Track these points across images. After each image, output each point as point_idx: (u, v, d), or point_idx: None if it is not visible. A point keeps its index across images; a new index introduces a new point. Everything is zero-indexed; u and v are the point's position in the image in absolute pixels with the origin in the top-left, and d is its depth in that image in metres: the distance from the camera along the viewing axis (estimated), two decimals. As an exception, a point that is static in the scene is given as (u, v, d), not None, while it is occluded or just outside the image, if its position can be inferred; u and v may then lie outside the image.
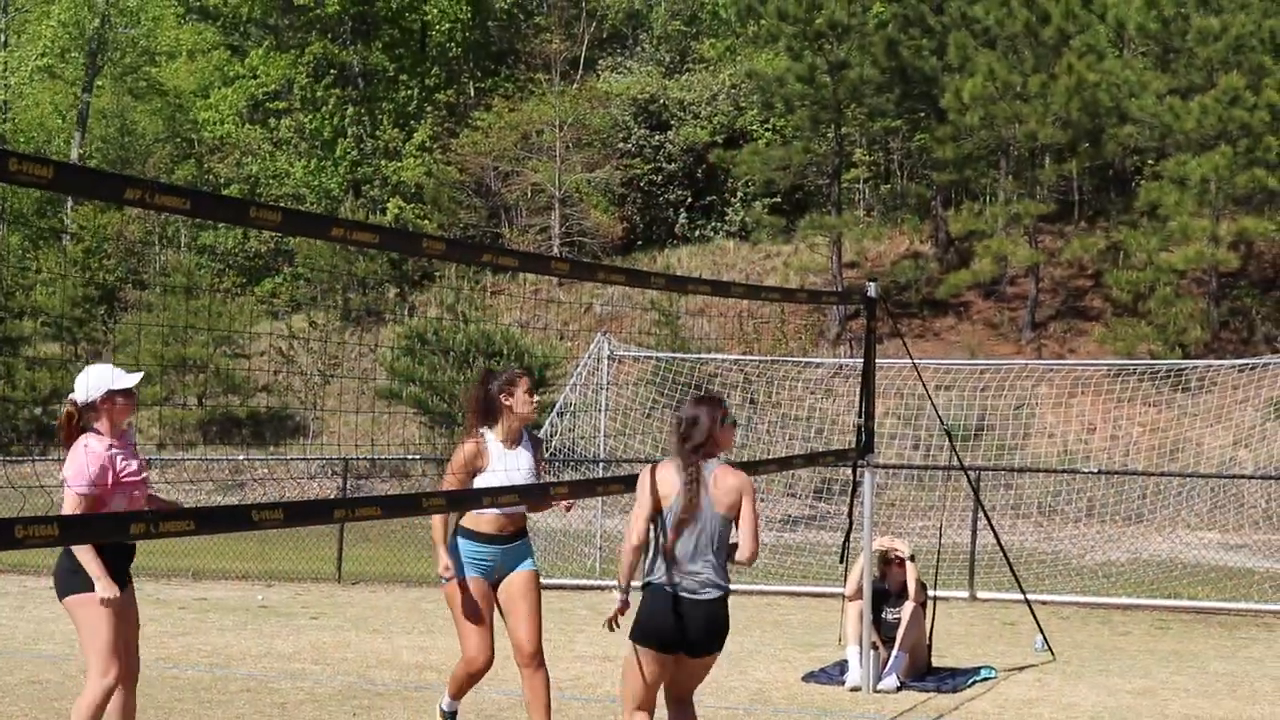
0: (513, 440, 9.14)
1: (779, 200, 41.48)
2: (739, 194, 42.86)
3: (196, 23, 52.90)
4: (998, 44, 34.63)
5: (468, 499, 8.64)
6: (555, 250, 40.71)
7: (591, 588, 19.90)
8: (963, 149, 35.91)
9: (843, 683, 12.28)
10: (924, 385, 15.87)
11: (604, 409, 23.36)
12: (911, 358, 16.07)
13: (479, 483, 8.99)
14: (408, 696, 11.48)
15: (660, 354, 28.46)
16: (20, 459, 34.55)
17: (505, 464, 9.00)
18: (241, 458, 33.89)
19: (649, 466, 7.82)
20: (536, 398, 9.26)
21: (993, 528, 14.90)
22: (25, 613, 16.60)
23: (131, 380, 8.44)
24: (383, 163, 46.20)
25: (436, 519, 9.14)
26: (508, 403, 9.09)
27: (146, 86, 52.54)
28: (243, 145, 48.56)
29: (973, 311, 37.40)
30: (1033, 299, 35.90)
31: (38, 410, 39.59)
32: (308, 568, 21.06)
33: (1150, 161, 36.57)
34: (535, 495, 8.81)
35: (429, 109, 47.69)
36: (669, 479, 7.68)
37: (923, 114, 37.67)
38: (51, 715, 10.68)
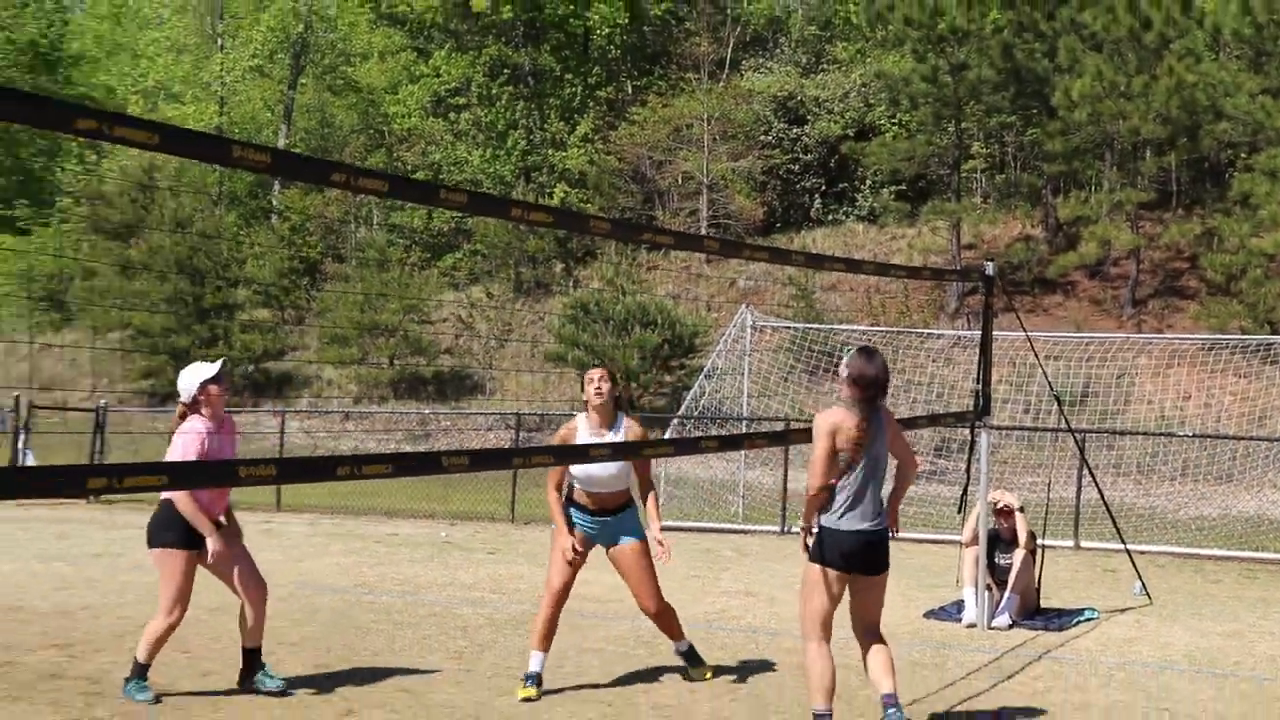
0: (603, 425, 9.26)
1: (904, 188, 41.23)
2: (868, 182, 42.62)
3: (386, 28, 53.31)
4: (1104, 47, 34.10)
5: (628, 449, 8.73)
6: (703, 231, 40.68)
7: (736, 531, 19.93)
8: (1071, 142, 35.47)
9: (959, 620, 12.23)
10: (1035, 355, 15.73)
11: (746, 373, 23.36)
12: (1025, 330, 15.93)
13: (579, 465, 9.17)
14: (575, 624, 11.57)
15: (797, 324, 28.40)
16: (236, 409, 35.18)
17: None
18: (427, 411, 34.29)
19: (824, 414, 7.86)
20: (605, 386, 9.26)
21: (1096, 484, 14.73)
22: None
23: (215, 368, 8.88)
24: (550, 152, 46.40)
25: (550, 498, 9.39)
26: (584, 396, 9.34)
27: (343, 84, 53.11)
28: (427, 136, 48.94)
29: (1079, 290, 36.95)
30: (1133, 279, 35.44)
31: (250, 368, 40.23)
32: (485, 509, 21.26)
33: (1243, 155, 35.86)
34: (631, 451, 8.84)
35: (591, 104, 47.80)
36: (845, 424, 7.74)
37: (1035, 111, 37.19)
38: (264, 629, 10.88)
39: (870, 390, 7.91)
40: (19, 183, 56.01)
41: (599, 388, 9.27)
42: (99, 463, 19.25)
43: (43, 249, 46.88)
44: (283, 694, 8.77)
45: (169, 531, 8.58)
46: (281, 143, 49.88)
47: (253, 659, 9.00)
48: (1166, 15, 33.00)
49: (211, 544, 8.56)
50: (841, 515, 7.78)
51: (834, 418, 7.80)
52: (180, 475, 5.94)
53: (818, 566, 7.77)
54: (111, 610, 11.66)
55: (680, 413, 23.62)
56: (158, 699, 8.56)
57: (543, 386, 35.93)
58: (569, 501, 9.32)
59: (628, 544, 9.31)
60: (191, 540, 8.56)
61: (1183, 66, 32.41)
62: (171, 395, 39.10)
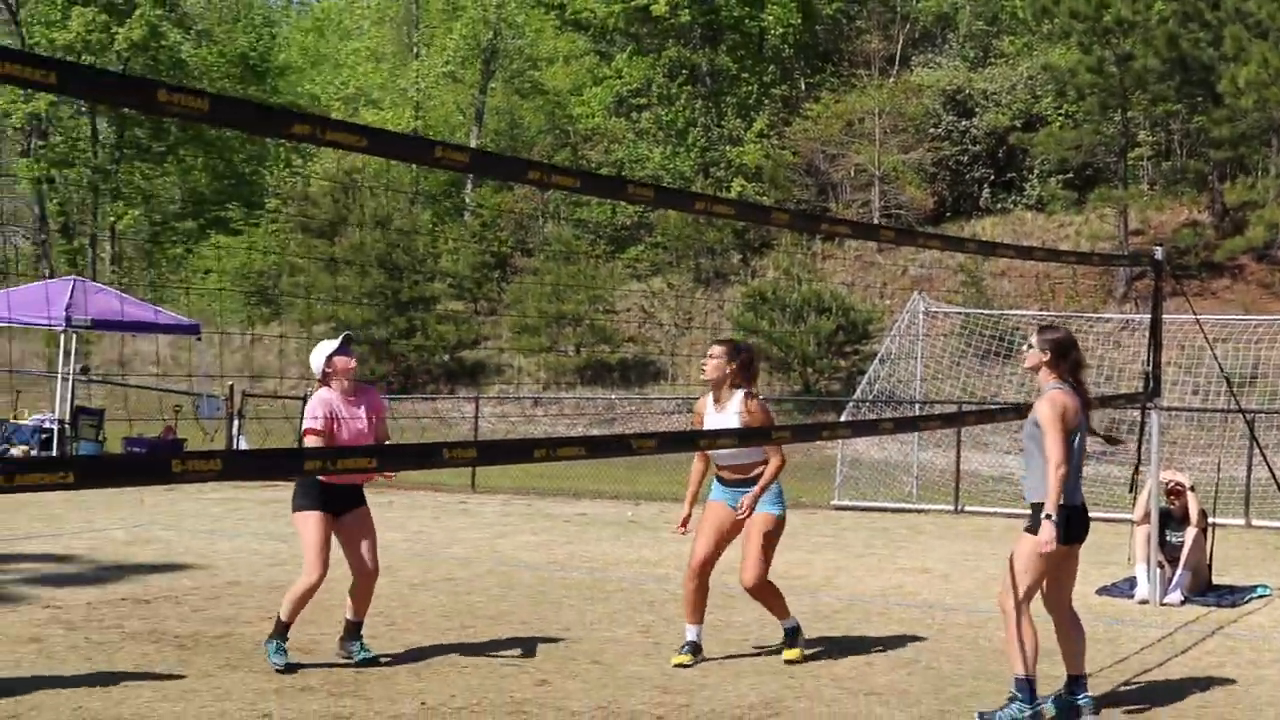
0: (720, 402, 9.24)
1: (1071, 176, 40.58)
2: (1036, 171, 42.00)
3: (571, 33, 53.69)
4: (1270, 34, 33.18)
5: (809, 431, 8.71)
6: (875, 222, 40.41)
7: (910, 510, 19.77)
8: (1237, 129, 34.60)
9: (1132, 596, 12.01)
10: (1205, 337, 15.38)
11: (919, 357, 23.14)
12: (1194, 313, 15.58)
13: None
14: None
15: (968, 310, 28.07)
16: (433, 396, 35.71)
17: (712, 423, 9.16)
18: (613, 397, 34.47)
19: (1053, 397, 7.64)
20: (710, 363, 9.25)
21: (1268, 463, 14.35)
22: (440, 522, 17.15)
23: (336, 342, 9.02)
24: (727, 148, 46.36)
25: (693, 469, 9.59)
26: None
27: (531, 87, 53.60)
28: (610, 135, 49.21)
29: (1246, 273, 36.05)
30: (1302, 261, 34.57)
31: (446, 357, 40.76)
32: (669, 489, 21.30)
33: None
34: (754, 438, 8.79)
35: (766, 102, 47.68)
36: (1070, 403, 7.64)
37: (1200, 98, 36.31)
38: (463, 605, 11.03)
39: (1077, 360, 7.85)
40: (231, 186, 57.38)
41: (704, 363, 9.32)
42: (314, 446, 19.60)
43: (253, 247, 47.98)
44: (373, 662, 8.88)
45: (304, 497, 8.73)
46: (473, 144, 50.46)
47: (353, 629, 9.10)
48: (1334, 1, 32.06)
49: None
50: (1073, 491, 7.70)
51: (1063, 399, 7.65)
52: (386, 457, 6.04)
53: (1056, 545, 7.56)
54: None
55: (855, 396, 23.47)
56: (290, 668, 8.66)
57: (722, 372, 35.98)
58: (716, 474, 9.38)
59: (758, 515, 9.15)
60: (326, 503, 8.69)
61: (1350, 52, 31.45)
62: (372, 384, 39.91)
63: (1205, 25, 34.81)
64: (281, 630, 8.80)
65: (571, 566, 13.49)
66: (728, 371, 9.22)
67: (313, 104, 60.30)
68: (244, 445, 23.46)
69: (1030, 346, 7.93)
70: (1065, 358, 7.82)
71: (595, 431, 29.47)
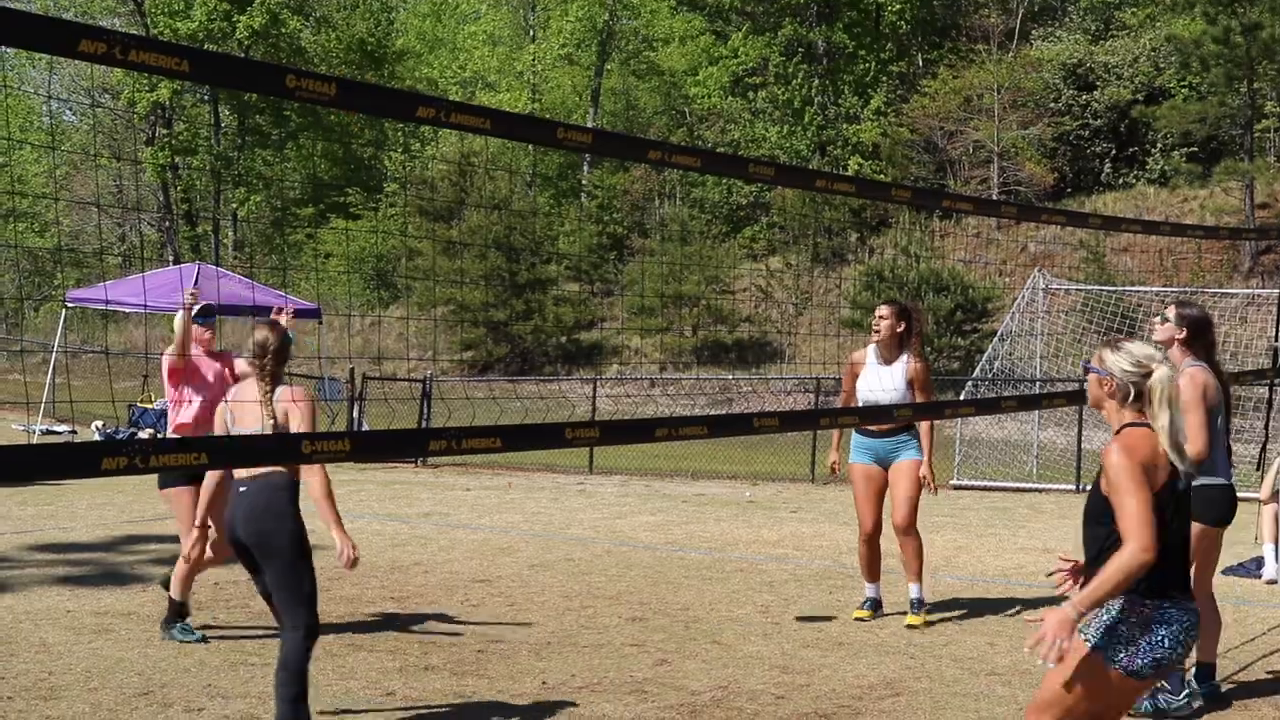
0: (887, 359, 9.76)
1: (1195, 149, 39.93)
2: (1159, 145, 41.36)
3: (686, 13, 53.66)
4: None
5: (931, 409, 8.69)
6: (995, 198, 40.02)
7: (1030, 490, 19.61)
8: (1370, 98, 33.94)
9: (1259, 576, 11.82)
10: (1334, 312, 15.10)
11: (1039, 335, 22.94)
12: (1323, 287, 15.31)
13: (859, 385, 9.80)
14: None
15: (1089, 287, 27.74)
16: (551, 378, 35.92)
17: (876, 376, 9.70)
18: (729, 377, 34.43)
19: (1192, 375, 7.39)
20: (884, 323, 9.69)
21: (1400, 439, 14.09)
22: (559, 503, 17.26)
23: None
24: (844, 126, 46.16)
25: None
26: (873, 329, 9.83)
27: (646, 68, 53.66)
28: (726, 115, 49.15)
29: (1379, 245, 35.33)
30: None
31: (563, 339, 40.97)
32: (786, 469, 21.30)
33: None
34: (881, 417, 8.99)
35: (883, 79, 47.38)
36: (1210, 381, 7.46)
37: (1331, 68, 35.64)
38: (582, 585, 11.12)
39: (1211, 340, 7.70)
40: (350, 171, 58.02)
41: (877, 325, 9.73)
42: (436, 427, 19.86)
43: (372, 232, 48.52)
44: (201, 640, 8.88)
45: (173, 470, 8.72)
46: (590, 125, 50.66)
47: (177, 607, 9.02)
48: None
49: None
50: (1222, 471, 7.56)
51: (1203, 376, 7.43)
52: (511, 438, 6.11)
53: (1205, 527, 7.43)
54: (441, 566, 12.04)
55: (975, 375, 23.31)
56: (203, 638, 8.87)
57: (839, 352, 35.79)
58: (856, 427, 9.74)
59: (905, 461, 9.71)
60: (196, 475, 8.47)
61: None
62: (490, 365, 39.97)
63: (1336, -8, 34.12)
64: (178, 611, 8.94)
65: (690, 546, 13.54)
66: (898, 331, 9.73)
67: (430, 88, 60.81)
68: (366, 428, 23.76)
69: (1165, 320, 7.72)
70: (1201, 336, 7.63)
71: (712, 411, 29.48)
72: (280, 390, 6.97)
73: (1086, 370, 5.32)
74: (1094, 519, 5.10)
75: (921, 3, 49.29)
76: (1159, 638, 4.88)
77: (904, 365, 9.65)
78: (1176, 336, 7.63)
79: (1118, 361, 5.17)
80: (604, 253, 45.04)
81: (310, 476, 6.85)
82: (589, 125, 49.61)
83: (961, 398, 21.56)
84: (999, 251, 39.33)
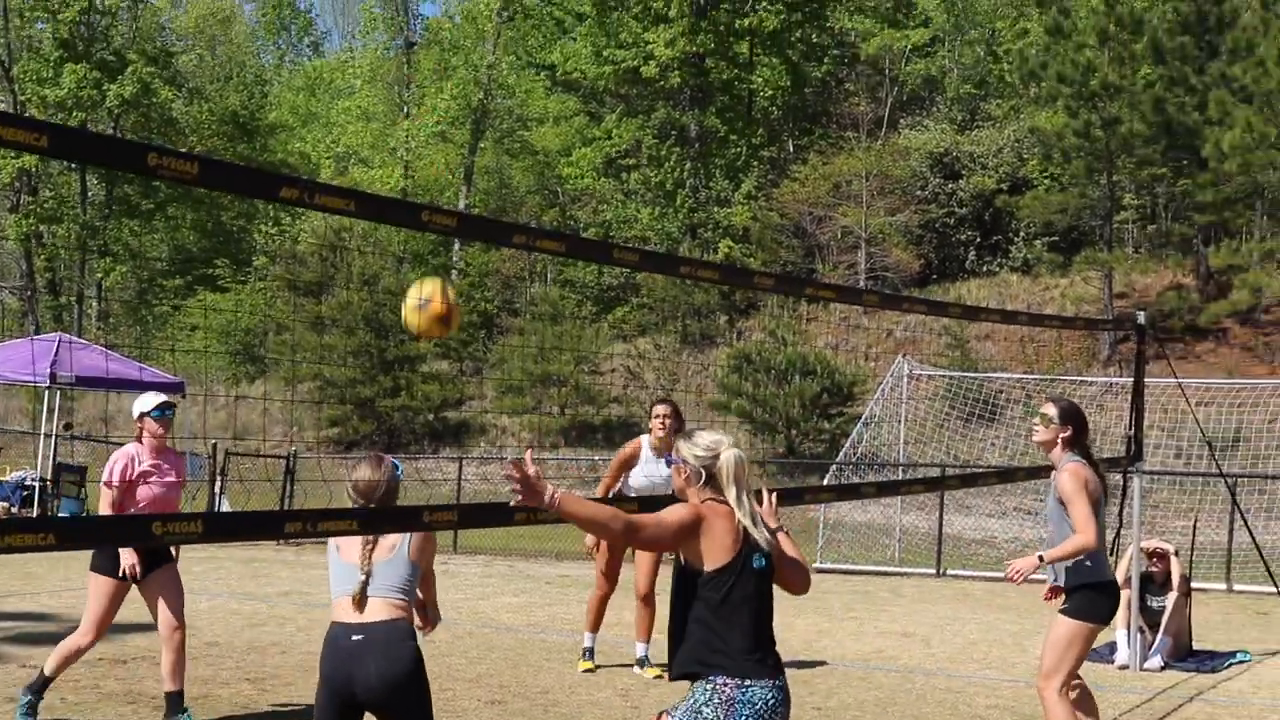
0: (662, 452, 10.36)
1: (1057, 239, 40.77)
2: (1021, 234, 42.19)
3: (561, 94, 54.04)
4: (1254, 99, 33.47)
5: (790, 494, 8.78)
6: (861, 283, 40.57)
7: (892, 574, 19.80)
8: (1222, 193, 34.84)
9: (1112, 661, 12.06)
10: (1187, 401, 15.49)
11: (903, 420, 23.24)
12: (1176, 377, 15.69)
13: (637, 475, 10.55)
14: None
15: (952, 372, 28.17)
16: (417, 456, 35.70)
17: (656, 467, 10.44)
18: (597, 458, 34.44)
19: (1075, 470, 7.48)
20: (669, 422, 10.49)
21: (1249, 528, 14.46)
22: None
23: (157, 400, 8.82)
24: (715, 209, 46.57)
25: (599, 490, 11.02)
26: (650, 426, 10.62)
27: (520, 147, 53.89)
28: (599, 195, 49.44)
29: (1230, 337, 36.22)
30: (1286, 325, 34.74)
31: (430, 416, 40.76)
32: (652, 551, 21.25)
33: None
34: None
35: (754, 163, 47.92)
36: (1090, 476, 7.56)
37: (1185, 162, 36.58)
38: (442, 667, 11.03)
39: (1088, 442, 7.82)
40: (219, 243, 57.51)
41: (663, 422, 10.44)
42: (293, 509, 19.71)
43: (240, 305, 48.06)
44: None
45: (101, 555, 8.56)
46: (462, 203, 50.70)
47: (173, 702, 8.81)
48: (1317, 68, 32.37)
49: (125, 558, 8.47)
50: (1106, 568, 7.66)
51: (1084, 472, 7.49)
52: (368, 522, 6.08)
53: (1092, 625, 7.55)
54: (299, 646, 11.91)
55: (839, 459, 23.54)
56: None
57: (708, 433, 36.02)
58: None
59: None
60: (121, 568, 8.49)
61: (1333, 118, 31.73)
62: (356, 444, 39.57)
63: (1191, 90, 35.14)
64: (43, 684, 8.73)
65: (552, 629, 13.51)
66: (676, 428, 10.39)
67: (303, 162, 60.57)
68: (225, 506, 23.45)
69: (1043, 418, 7.73)
70: (1085, 429, 7.71)
71: (579, 492, 29.50)
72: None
73: (669, 464, 5.43)
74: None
75: (793, 89, 50.05)
76: (741, 717, 4.99)
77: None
78: (1060, 434, 7.66)
79: (691, 449, 5.35)
80: (473, 331, 44.97)
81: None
82: (461, 202, 49.72)
83: (825, 481, 21.77)
84: (865, 336, 39.84)
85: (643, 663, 10.92)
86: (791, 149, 49.80)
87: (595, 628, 11.17)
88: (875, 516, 23.55)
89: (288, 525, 5.55)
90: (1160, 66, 35.79)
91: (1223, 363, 34.57)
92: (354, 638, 5.94)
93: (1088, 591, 7.45)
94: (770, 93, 49.61)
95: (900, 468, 22.44)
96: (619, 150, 49.40)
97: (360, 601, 6.01)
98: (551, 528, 19.59)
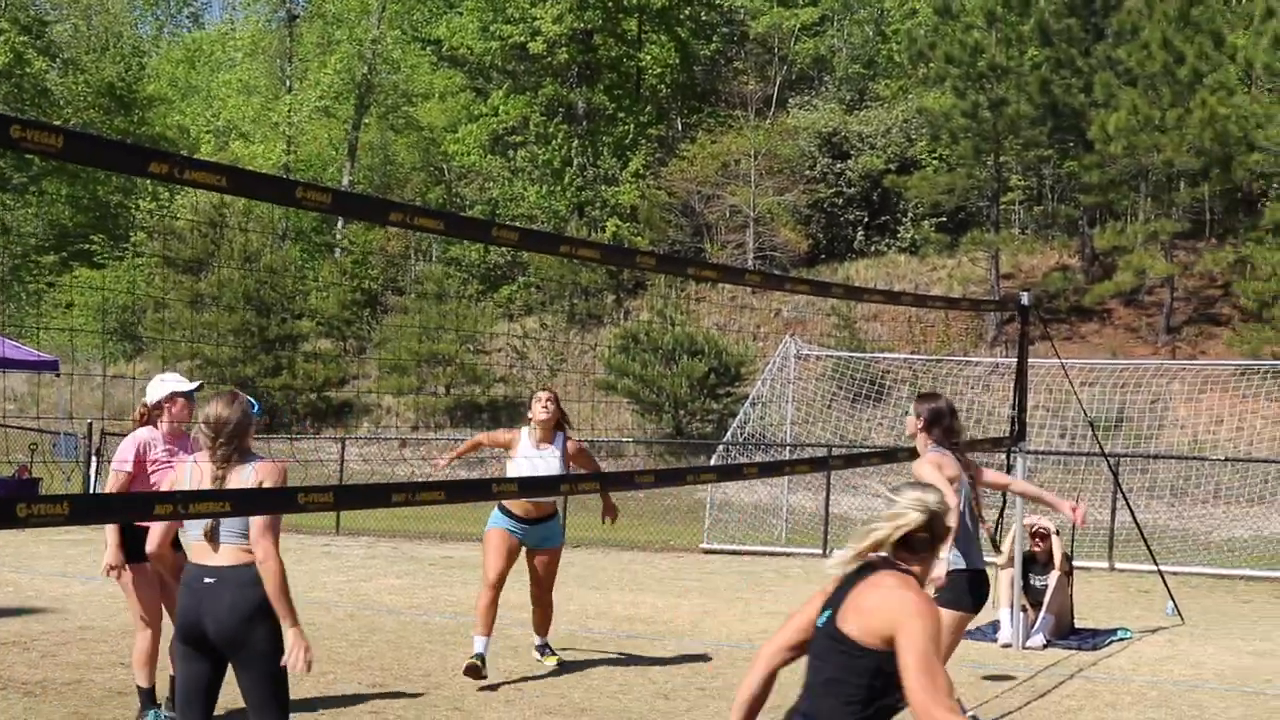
0: (545, 440, 10.24)
1: (944, 220, 41.09)
2: (909, 214, 42.51)
3: (447, 69, 53.69)
4: (1139, 82, 33.99)
5: (668, 475, 8.80)
6: (750, 263, 40.70)
7: (779, 554, 19.93)
8: (1107, 174, 35.37)
9: (995, 640, 12.22)
10: (1070, 382, 15.70)
11: (790, 400, 23.38)
12: (1060, 358, 15.91)
13: (508, 468, 10.27)
14: (620, 643, 11.63)
15: (839, 353, 28.39)
16: (299, 436, 35.40)
17: (531, 457, 10.12)
18: (481, 438, 34.37)
19: (933, 455, 7.96)
20: (551, 406, 10.27)
21: (1130, 507, 14.69)
22: (303, 565, 16.99)
23: (191, 386, 8.59)
24: (603, 188, 46.51)
25: (467, 443, 10.91)
26: (530, 414, 10.30)
27: (405, 123, 53.51)
28: (485, 173, 49.21)
29: (1114, 318, 36.78)
30: (1168, 306, 35.22)
31: (313, 396, 40.45)
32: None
33: (1275, 185, 35.75)
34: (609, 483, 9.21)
35: (643, 142, 47.89)
36: (948, 463, 7.90)
37: (1071, 144, 37.08)
38: (323, 650, 10.95)
39: (950, 428, 8.20)
40: (96, 218, 56.60)
41: (546, 406, 10.21)
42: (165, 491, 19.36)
43: (117, 282, 47.33)
44: None
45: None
46: (345, 180, 50.29)
47: (149, 697, 8.47)
48: (1199, 50, 32.87)
49: (107, 557, 8.23)
50: (977, 556, 7.89)
51: (938, 458, 7.95)
52: (242, 501, 6.00)
53: (960, 614, 7.79)
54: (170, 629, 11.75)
55: (726, 439, 23.65)
56: None
57: (593, 414, 36.00)
58: (500, 506, 10.21)
59: (550, 550, 10.49)
60: (140, 553, 7.97)
61: (1215, 100, 32.20)
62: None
63: (1077, 72, 35.63)
64: (149, 698, 8.39)
65: (435, 611, 13.46)
66: (557, 416, 10.31)
67: (182, 136, 59.75)
68: (100, 487, 23.10)
69: (914, 413, 8.28)
70: (937, 424, 8.11)
71: (464, 473, 29.33)
72: (249, 469, 6.21)
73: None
74: None
75: (681, 67, 50.09)
76: None
77: (561, 444, 10.19)
78: (918, 427, 8.21)
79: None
80: (357, 309, 44.62)
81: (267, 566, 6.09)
82: (345, 179, 49.33)
83: (713, 462, 21.84)
84: (753, 316, 40.01)
85: (543, 650, 10.88)
86: (680, 127, 49.86)
87: (487, 631, 10.34)
88: (763, 497, 23.69)
89: (158, 508, 5.48)
90: (1047, 48, 36.25)
91: (1106, 343, 35.11)
92: (206, 580, 6.12)
93: (956, 580, 7.66)
94: (659, 70, 49.62)
95: (787, 448, 22.58)
96: (506, 127, 49.17)
97: (213, 542, 6.15)
98: (435, 509, 19.53)
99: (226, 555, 6.12)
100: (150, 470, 8.20)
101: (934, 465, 7.82)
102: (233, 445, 6.20)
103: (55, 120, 52.76)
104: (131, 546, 8.17)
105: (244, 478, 6.14)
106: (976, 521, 8.16)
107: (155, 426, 8.38)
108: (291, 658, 6.08)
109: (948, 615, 7.59)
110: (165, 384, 8.50)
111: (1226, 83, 33.10)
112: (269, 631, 6.12)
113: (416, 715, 8.84)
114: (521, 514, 10.16)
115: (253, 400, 6.48)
